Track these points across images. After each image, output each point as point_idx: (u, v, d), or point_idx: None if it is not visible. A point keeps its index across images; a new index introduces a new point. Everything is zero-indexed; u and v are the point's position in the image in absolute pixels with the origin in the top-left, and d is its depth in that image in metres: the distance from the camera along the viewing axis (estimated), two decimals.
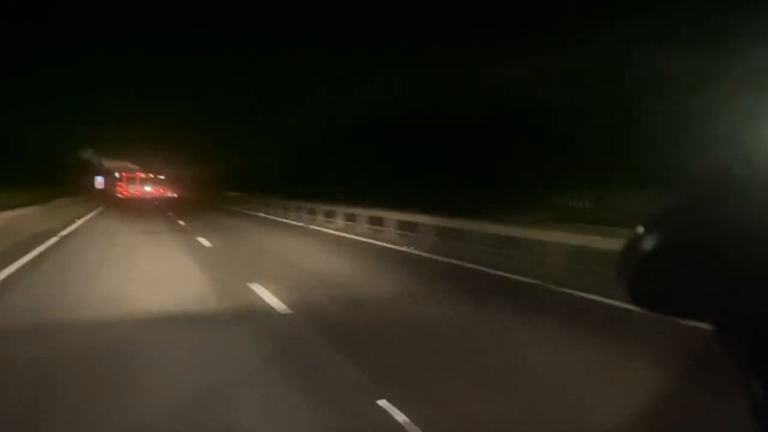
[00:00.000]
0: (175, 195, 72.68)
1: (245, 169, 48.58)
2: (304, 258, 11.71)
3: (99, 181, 67.39)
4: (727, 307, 0.68)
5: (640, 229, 0.73)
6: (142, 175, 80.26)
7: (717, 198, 0.71)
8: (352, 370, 4.34)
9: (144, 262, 10.62)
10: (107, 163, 78.10)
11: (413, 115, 23.63)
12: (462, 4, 21.13)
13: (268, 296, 7.13)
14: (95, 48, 39.17)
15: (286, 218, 24.24)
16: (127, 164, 79.20)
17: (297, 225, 21.30)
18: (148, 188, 76.26)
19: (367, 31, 28.02)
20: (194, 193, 62.36)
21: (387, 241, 14.70)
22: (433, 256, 11.95)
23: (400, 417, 3.36)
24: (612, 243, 7.22)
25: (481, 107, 19.59)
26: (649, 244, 0.72)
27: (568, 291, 7.74)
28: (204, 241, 14.06)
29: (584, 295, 7.36)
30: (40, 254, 11.33)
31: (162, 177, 79.69)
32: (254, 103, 43.23)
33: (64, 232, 15.89)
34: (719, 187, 0.71)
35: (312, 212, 22.60)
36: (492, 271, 9.75)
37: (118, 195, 66.18)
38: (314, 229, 19.39)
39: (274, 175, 39.95)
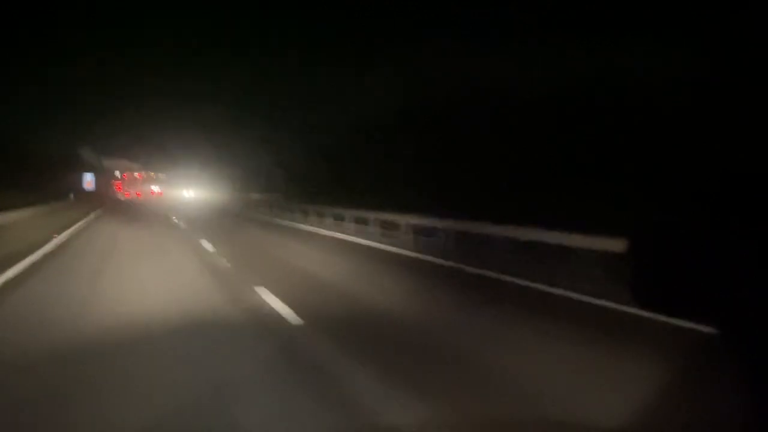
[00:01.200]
0: (191, 194, 60.60)
1: (275, 168, 37.95)
2: None
3: (88, 180, 48.00)
4: (729, 310, 0.74)
5: (643, 235, 0.86)
6: (144, 175, 72.63)
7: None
8: None
9: None
10: (106, 162, 68.38)
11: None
12: None
13: None
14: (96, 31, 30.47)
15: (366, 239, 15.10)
16: (126, 162, 69.87)
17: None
18: (153, 188, 68.72)
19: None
20: (214, 196, 50.05)
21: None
22: None
23: None
24: None
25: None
26: (651, 248, 0.81)
27: None
28: None
29: None
30: None
31: (163, 175, 72.08)
32: (285, 90, 32.98)
33: None
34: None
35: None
36: None
37: (118, 197, 57.94)
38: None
39: (310, 174, 30.65)
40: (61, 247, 11.92)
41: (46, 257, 10.10)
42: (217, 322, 5.43)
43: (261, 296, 6.65)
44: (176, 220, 21.87)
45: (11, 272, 7.90)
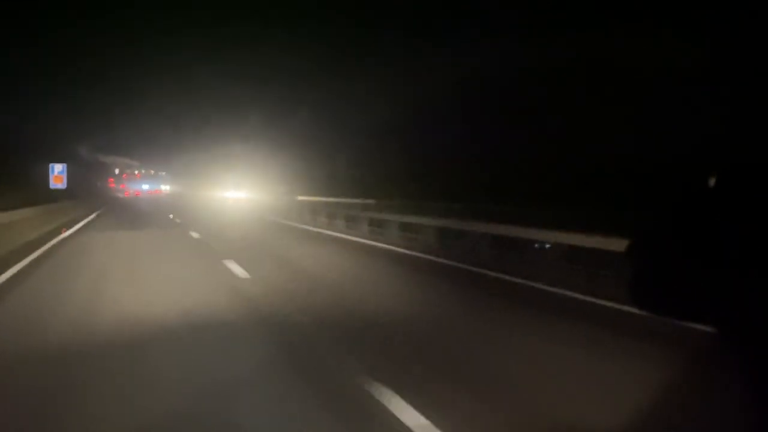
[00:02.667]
0: (235, 195, 39.12)
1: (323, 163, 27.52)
2: None
3: (56, 173, 25.23)
4: (728, 309, 0.70)
5: (640, 235, 0.80)
6: (143, 173, 72.32)
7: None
8: None
9: None
10: (103, 158, 67.99)
11: None
12: None
13: None
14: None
15: None
16: (125, 159, 69.50)
17: None
18: (161, 186, 68.39)
19: None
20: (251, 197, 33.77)
21: None
22: None
23: None
24: None
25: None
26: (649, 249, 0.79)
27: None
28: None
29: None
30: None
31: (165, 173, 71.71)
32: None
33: None
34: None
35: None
36: None
37: (116, 194, 57.59)
38: None
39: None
40: None
41: None
42: None
43: None
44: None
45: None
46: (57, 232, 14.62)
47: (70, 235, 14.33)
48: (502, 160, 17.93)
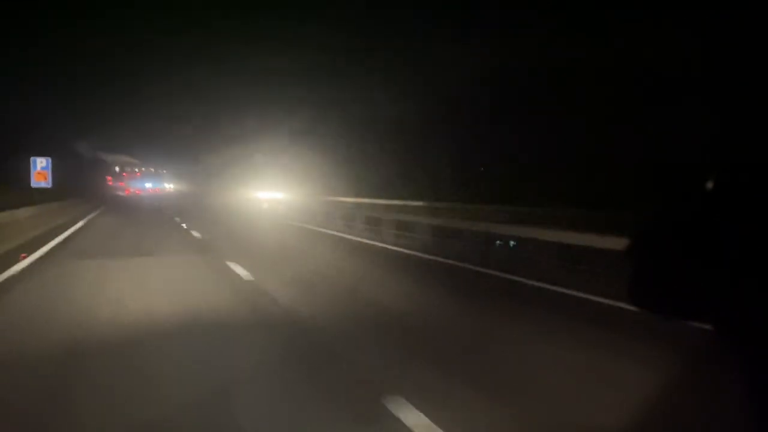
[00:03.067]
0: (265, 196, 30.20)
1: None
2: None
3: (40, 170, 18.12)
4: (728, 308, 0.72)
5: (638, 234, 0.82)
6: (143, 171, 72.29)
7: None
8: None
9: None
10: (103, 156, 67.92)
11: None
12: None
13: None
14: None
15: None
16: (125, 157, 69.44)
17: None
18: (152, 185, 68.16)
19: None
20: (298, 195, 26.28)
21: None
22: None
23: None
24: None
25: None
26: (647, 248, 0.81)
27: None
28: None
29: None
30: None
31: (164, 171, 71.69)
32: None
33: None
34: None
35: None
36: None
37: (118, 192, 57.53)
38: None
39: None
40: None
41: None
42: None
43: None
44: None
45: None
46: (13, 257, 9.31)
47: (31, 266, 8.71)
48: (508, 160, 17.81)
